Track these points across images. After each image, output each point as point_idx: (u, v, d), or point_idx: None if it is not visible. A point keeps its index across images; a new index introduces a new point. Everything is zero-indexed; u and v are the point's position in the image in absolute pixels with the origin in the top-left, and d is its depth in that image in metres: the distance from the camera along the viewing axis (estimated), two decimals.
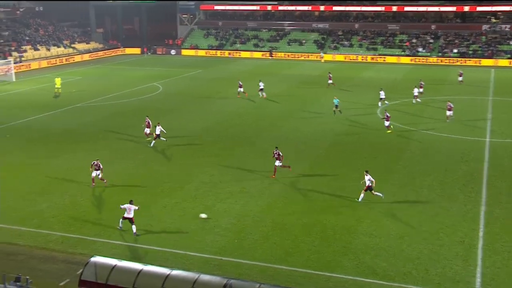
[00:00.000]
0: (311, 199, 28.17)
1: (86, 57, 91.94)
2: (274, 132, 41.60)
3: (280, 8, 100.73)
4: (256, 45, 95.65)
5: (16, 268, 20.45)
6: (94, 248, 22.78)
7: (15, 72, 69.88)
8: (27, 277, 18.23)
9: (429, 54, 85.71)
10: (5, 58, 76.29)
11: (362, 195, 27.55)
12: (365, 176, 27.44)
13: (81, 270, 18.72)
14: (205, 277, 17.55)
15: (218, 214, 26.30)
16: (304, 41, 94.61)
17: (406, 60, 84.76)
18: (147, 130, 38.78)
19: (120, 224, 24.51)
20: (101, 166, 29.86)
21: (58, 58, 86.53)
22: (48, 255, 22.26)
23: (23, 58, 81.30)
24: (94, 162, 29.88)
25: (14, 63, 73.57)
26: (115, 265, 18.16)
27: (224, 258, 22.02)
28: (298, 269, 21.23)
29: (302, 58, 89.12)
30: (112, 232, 24.33)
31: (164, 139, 37.64)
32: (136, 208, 24.22)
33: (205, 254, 22.32)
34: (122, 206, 24.34)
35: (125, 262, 18.70)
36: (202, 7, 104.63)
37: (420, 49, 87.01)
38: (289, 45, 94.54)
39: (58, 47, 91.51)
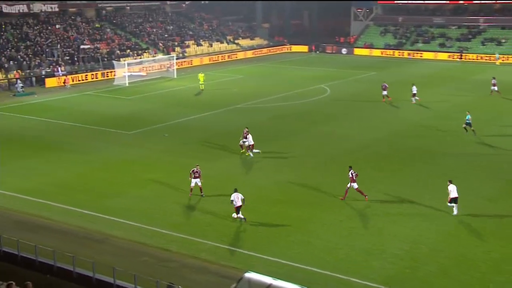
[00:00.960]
0: (502, 230, 26.31)
1: (249, 54, 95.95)
2: (460, 147, 39.67)
3: (476, 1, 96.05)
4: (442, 45, 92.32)
5: (168, 275, 21.83)
6: (248, 262, 23.49)
7: (177, 68, 75.07)
8: (179, 286, 19.34)
9: None
10: (168, 54, 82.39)
11: (452, 206, 27.93)
12: (449, 185, 27.87)
13: (234, 285, 19.39)
14: None
15: (387, 237, 25.69)
16: (503, 41, 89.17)
17: None
18: (246, 142, 37.87)
19: (234, 215, 27.13)
20: (201, 173, 30.33)
21: (220, 55, 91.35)
22: (200, 265, 23.43)
23: (185, 54, 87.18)
24: (193, 169, 30.36)
25: (176, 58, 79.10)
26: (271, 284, 18.52)
27: None
28: None
29: (500, 60, 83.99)
30: (268, 247, 24.91)
31: (258, 150, 37.46)
32: (243, 197, 26.87)
33: (370, 283, 21.89)
34: (231, 199, 26.90)
35: (280, 282, 19.00)
36: (380, 1, 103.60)
37: None
38: (484, 45, 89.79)
39: (221, 42, 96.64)
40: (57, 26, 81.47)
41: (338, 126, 45.76)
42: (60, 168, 35.84)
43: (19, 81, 63.57)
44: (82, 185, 32.75)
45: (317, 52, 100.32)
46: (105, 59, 75.87)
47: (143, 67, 74.33)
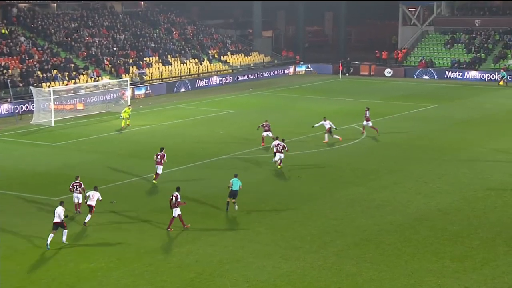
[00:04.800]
0: None
1: (242, 77, 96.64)
2: None
3: None
4: None
5: None
6: None
7: (136, 99, 75.22)
8: None
9: None
10: (118, 76, 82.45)
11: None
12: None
13: None
14: None
15: None
16: None
17: None
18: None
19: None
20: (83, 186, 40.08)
21: (200, 80, 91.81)
22: None
23: (145, 77, 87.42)
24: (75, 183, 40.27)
25: (131, 84, 79.21)
26: None
27: None
28: None
29: None
30: None
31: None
32: (100, 198, 38.31)
33: None
34: (87, 194, 38.51)
35: None
36: None
37: None
38: None
39: (201, 60, 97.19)
40: None
41: (377, 188, 45.54)
42: None
43: None
44: None
45: (347, 74, 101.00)
46: (18, 85, 75.95)
47: (79, 97, 74.32)
